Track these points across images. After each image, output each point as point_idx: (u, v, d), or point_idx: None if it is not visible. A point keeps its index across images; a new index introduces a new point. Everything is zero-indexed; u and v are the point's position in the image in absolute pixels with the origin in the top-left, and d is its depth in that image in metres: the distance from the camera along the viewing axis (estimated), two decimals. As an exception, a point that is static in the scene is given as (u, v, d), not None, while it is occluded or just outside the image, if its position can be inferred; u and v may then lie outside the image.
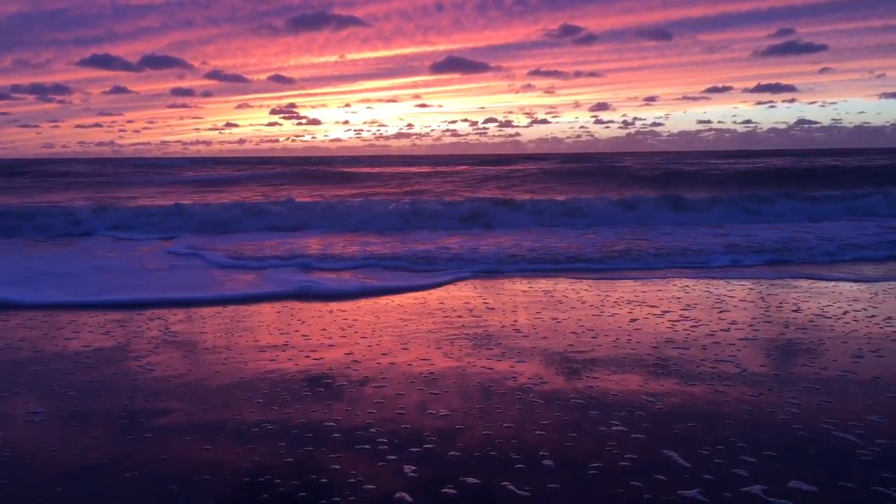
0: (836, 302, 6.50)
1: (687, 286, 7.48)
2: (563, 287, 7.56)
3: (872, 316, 5.89)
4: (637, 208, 15.18)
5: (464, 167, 48.46)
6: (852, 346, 4.98)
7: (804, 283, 7.54)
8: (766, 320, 5.81)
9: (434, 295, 7.21)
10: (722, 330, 5.49)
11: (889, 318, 5.81)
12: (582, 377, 4.35)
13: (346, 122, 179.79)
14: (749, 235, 11.71)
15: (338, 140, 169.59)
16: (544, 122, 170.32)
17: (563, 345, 5.14)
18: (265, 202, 17.81)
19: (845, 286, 7.34)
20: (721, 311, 6.15)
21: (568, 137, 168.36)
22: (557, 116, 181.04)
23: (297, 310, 6.54)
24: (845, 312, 6.04)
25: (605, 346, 5.09)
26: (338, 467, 3.11)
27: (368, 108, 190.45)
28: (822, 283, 7.51)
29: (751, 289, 7.28)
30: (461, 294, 7.23)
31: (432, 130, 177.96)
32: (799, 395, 3.97)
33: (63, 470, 3.14)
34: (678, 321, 5.80)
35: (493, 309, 6.46)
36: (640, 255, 9.75)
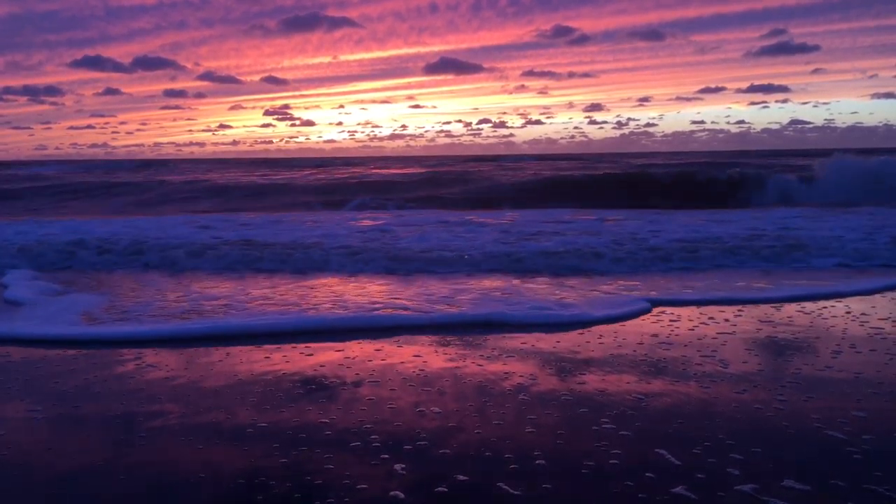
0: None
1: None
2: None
3: (848, 311, 6.02)
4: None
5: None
6: (830, 342, 5.08)
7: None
8: (740, 316, 5.92)
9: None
10: (702, 324, 5.58)
11: (864, 314, 5.94)
12: (574, 375, 4.38)
13: (339, 124, 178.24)
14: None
15: (332, 141, 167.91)
16: (538, 122, 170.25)
17: (552, 343, 5.18)
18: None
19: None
20: (700, 308, 6.25)
21: (562, 138, 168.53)
22: (551, 117, 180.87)
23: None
24: (823, 308, 6.17)
25: (593, 343, 5.14)
26: (331, 467, 3.10)
27: (362, 109, 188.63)
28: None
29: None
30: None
31: (426, 131, 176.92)
32: (784, 391, 4.04)
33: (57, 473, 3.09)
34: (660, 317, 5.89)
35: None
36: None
